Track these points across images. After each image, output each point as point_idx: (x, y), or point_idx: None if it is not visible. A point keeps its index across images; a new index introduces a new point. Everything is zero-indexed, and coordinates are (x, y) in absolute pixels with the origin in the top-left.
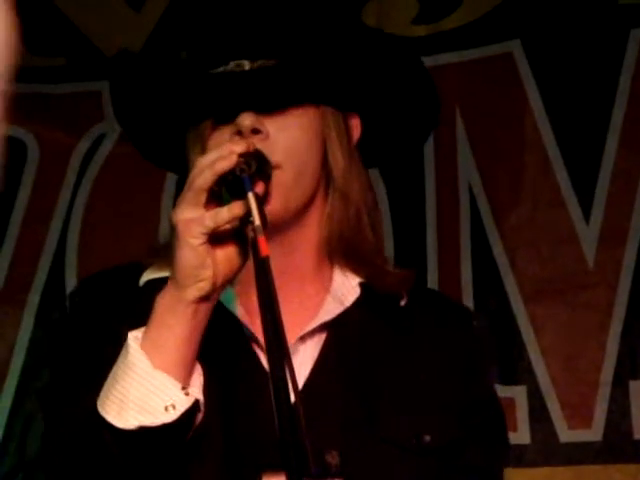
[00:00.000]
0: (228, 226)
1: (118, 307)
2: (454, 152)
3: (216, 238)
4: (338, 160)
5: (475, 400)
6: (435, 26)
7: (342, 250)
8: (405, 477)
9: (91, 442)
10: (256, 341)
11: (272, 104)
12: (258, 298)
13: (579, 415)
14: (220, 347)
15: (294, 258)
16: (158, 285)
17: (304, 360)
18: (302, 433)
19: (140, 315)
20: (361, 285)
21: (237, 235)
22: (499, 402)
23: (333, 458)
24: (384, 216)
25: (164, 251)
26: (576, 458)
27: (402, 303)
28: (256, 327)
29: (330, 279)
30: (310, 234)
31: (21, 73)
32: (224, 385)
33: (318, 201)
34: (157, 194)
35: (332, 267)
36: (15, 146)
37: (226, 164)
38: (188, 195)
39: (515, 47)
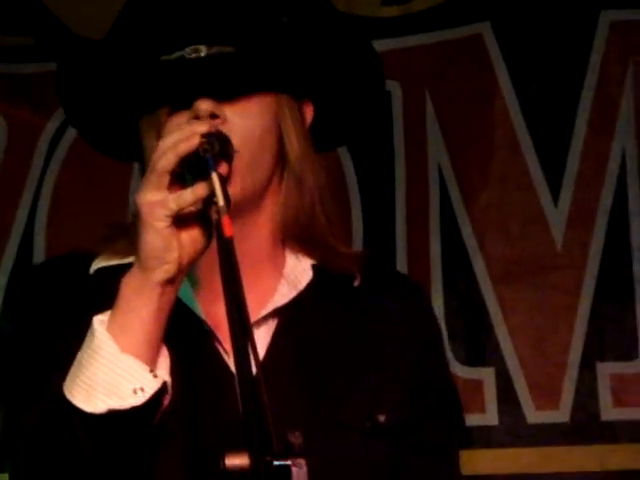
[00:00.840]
0: (192, 208)
1: (70, 294)
2: (424, 133)
3: (180, 220)
4: (294, 146)
5: (429, 377)
6: (405, 7)
7: (296, 234)
8: (360, 458)
9: (58, 428)
10: (212, 328)
11: (230, 91)
12: (222, 278)
13: (547, 396)
14: (177, 336)
15: (249, 244)
16: (108, 273)
17: (258, 345)
18: (265, 414)
19: (92, 303)
20: (314, 267)
21: (201, 216)
22: (452, 379)
23: (296, 438)
24: (354, 197)
25: (116, 235)
26: (543, 439)
27: (355, 283)
28: (213, 315)
29: (283, 263)
30: (264, 219)
31: None
32: (185, 372)
33: (273, 187)
34: (126, 175)
35: (284, 250)
36: None
37: (189, 145)
38: (151, 178)
39: (485, 29)
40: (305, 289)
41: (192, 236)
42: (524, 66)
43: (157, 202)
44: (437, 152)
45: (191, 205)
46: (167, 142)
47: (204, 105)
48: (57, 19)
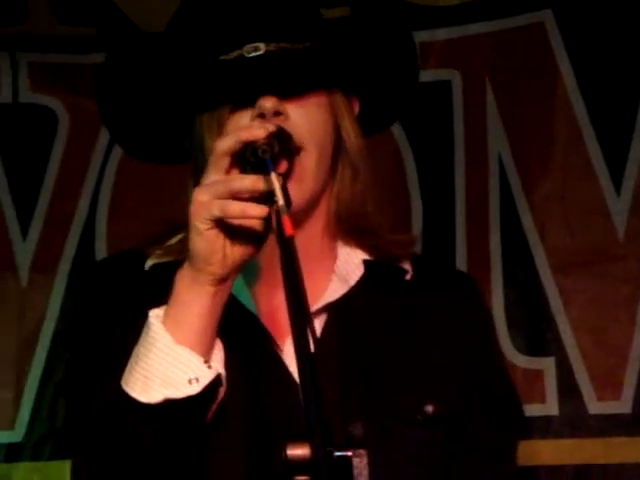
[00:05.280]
0: (235, 222)
1: (127, 291)
2: (484, 123)
3: (228, 223)
4: (352, 139)
5: (482, 372)
6: None
7: (348, 225)
8: (408, 450)
9: (118, 420)
10: (265, 324)
11: (293, 88)
12: (283, 278)
13: (608, 387)
14: (230, 330)
15: (303, 239)
16: (163, 269)
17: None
18: (328, 405)
19: (150, 297)
20: (365, 262)
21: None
22: (508, 374)
23: (357, 429)
24: (413, 187)
25: (168, 235)
26: (605, 430)
27: (407, 277)
28: (267, 309)
29: (334, 257)
30: (319, 213)
31: (51, 42)
32: (240, 366)
33: (328, 180)
34: (188, 164)
35: (336, 244)
36: (45, 115)
37: (252, 133)
38: (211, 160)
39: (547, 17)
40: (356, 285)
41: (242, 239)
42: (586, 55)
43: (203, 203)
44: (497, 141)
45: (247, 193)
46: (231, 130)
47: (268, 103)
48: (119, 10)
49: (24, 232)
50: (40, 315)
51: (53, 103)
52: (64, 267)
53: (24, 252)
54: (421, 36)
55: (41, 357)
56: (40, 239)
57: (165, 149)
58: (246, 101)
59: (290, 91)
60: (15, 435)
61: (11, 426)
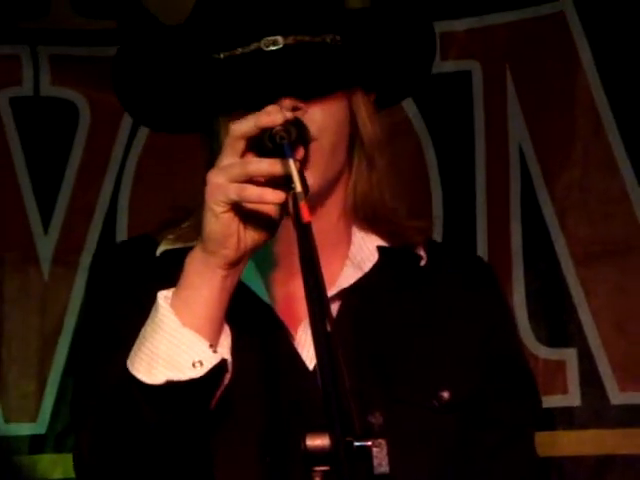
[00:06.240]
0: (252, 206)
1: (137, 275)
2: (504, 113)
3: (244, 206)
4: (369, 132)
5: (498, 355)
6: None
7: (364, 214)
8: (423, 436)
9: (123, 401)
10: (278, 313)
11: (313, 92)
12: (300, 264)
13: (630, 377)
14: (242, 318)
15: (318, 225)
16: (174, 255)
17: None
18: (346, 394)
19: (159, 283)
20: (380, 249)
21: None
22: (525, 357)
23: (376, 419)
24: (434, 178)
25: (179, 220)
26: (627, 420)
27: (422, 263)
28: (281, 297)
29: (349, 242)
30: (335, 202)
31: (72, 36)
32: (257, 355)
33: (343, 171)
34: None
35: (351, 228)
36: (67, 109)
37: (271, 119)
38: (226, 142)
39: (567, 6)
40: (370, 271)
41: (256, 223)
42: (607, 44)
43: (219, 185)
44: (518, 132)
45: (264, 176)
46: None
47: (287, 101)
48: (139, 3)
49: (45, 225)
50: (62, 309)
51: (74, 96)
52: (85, 261)
53: (46, 245)
54: (442, 26)
55: (63, 350)
56: (61, 233)
57: (188, 121)
58: (264, 105)
59: (310, 94)
60: (38, 427)
61: (34, 418)
